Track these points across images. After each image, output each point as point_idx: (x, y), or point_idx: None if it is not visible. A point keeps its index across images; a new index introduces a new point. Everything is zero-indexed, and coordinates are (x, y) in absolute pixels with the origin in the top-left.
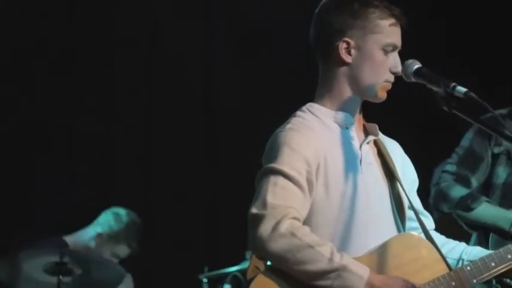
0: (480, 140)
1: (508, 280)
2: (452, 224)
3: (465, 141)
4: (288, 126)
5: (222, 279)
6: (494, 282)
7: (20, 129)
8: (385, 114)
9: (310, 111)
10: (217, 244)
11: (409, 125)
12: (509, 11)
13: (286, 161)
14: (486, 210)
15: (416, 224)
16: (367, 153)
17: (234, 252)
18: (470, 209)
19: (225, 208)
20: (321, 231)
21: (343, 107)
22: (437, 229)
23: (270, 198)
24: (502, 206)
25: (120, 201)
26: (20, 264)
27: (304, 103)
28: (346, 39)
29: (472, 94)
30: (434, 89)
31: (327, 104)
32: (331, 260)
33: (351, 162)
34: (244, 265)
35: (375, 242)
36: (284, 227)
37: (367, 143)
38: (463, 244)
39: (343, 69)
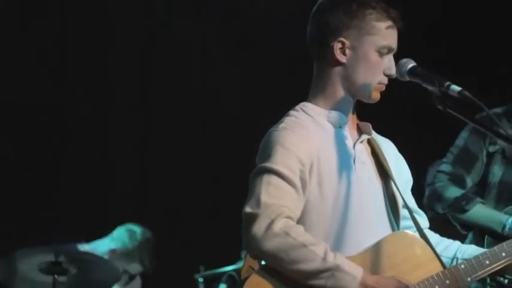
0: (475, 139)
1: (502, 278)
2: (447, 223)
3: (460, 141)
4: (282, 125)
5: (218, 278)
6: (488, 280)
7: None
8: (379, 113)
9: (303, 111)
10: (213, 244)
11: (403, 124)
12: (504, 9)
13: (280, 160)
14: (480, 212)
15: (411, 223)
16: (361, 152)
17: (229, 251)
18: (465, 211)
19: (220, 208)
20: (315, 230)
21: (337, 107)
22: (431, 228)
23: (264, 198)
24: (498, 204)
25: (117, 200)
26: (15, 264)
27: (299, 103)
28: (342, 39)
29: (467, 93)
30: (429, 87)
31: (320, 104)
32: (324, 259)
33: (345, 161)
34: (239, 265)
35: (369, 241)
36: (278, 226)
37: (361, 142)
38: (457, 242)
39: (338, 69)
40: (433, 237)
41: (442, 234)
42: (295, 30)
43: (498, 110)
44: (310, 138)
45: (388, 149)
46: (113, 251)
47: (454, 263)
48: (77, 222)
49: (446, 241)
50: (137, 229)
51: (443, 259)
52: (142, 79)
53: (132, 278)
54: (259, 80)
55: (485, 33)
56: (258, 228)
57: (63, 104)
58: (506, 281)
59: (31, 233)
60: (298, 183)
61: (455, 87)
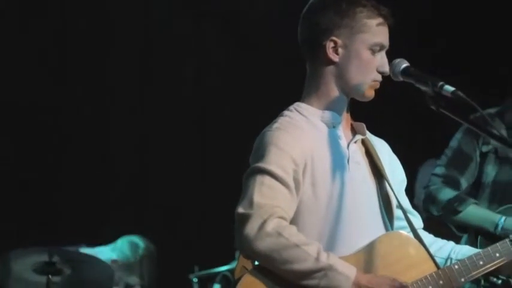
0: (468, 140)
1: (495, 279)
2: (441, 223)
3: (454, 142)
4: (275, 125)
5: (212, 278)
6: (482, 282)
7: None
8: (371, 113)
9: (297, 111)
10: (207, 244)
11: (395, 124)
12: (504, 9)
13: (273, 161)
14: (473, 213)
15: (405, 223)
16: (355, 152)
17: (224, 252)
18: (457, 212)
19: (215, 208)
20: (308, 230)
21: (330, 106)
22: (425, 228)
23: (257, 198)
24: (491, 204)
25: (115, 201)
26: (10, 264)
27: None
28: (334, 38)
29: (460, 93)
30: (422, 88)
31: (314, 104)
32: (317, 259)
33: (339, 162)
34: (234, 265)
35: (362, 241)
36: (270, 226)
37: (355, 142)
38: (451, 243)
39: (331, 69)
40: (427, 237)
41: (436, 235)
42: (295, 30)
43: (491, 110)
44: (304, 138)
45: (382, 149)
46: (114, 261)
47: (448, 263)
48: (77, 223)
49: (440, 241)
50: (141, 243)
51: (437, 259)
52: (142, 79)
53: (130, 286)
54: (259, 80)
55: (485, 33)
56: (251, 228)
57: (63, 104)
58: (500, 281)
59: (30, 234)
60: (291, 183)
61: (449, 88)
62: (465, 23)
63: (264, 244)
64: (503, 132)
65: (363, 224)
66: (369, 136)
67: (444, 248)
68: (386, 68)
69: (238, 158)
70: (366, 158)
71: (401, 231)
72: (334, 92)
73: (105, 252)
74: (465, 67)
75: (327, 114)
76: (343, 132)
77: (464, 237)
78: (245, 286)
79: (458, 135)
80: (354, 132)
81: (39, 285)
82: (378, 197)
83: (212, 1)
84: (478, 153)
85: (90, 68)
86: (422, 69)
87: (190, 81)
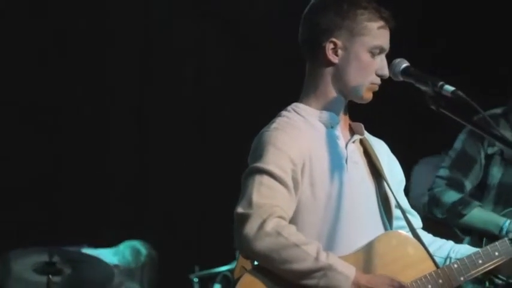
0: (472, 142)
1: (497, 280)
2: (439, 223)
3: (458, 143)
4: (273, 125)
5: (213, 278)
6: (487, 284)
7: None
8: (370, 113)
9: (295, 111)
10: (207, 244)
11: (393, 124)
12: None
13: (272, 160)
14: (477, 216)
15: (404, 223)
16: (353, 152)
17: (224, 252)
18: (462, 215)
19: (215, 208)
20: (307, 230)
21: (329, 107)
22: (424, 228)
23: (256, 198)
24: (497, 206)
25: (114, 201)
26: (10, 264)
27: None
28: (334, 39)
29: (460, 93)
30: (422, 88)
31: (312, 104)
32: (317, 259)
33: (337, 162)
34: (234, 265)
35: (361, 241)
36: (270, 226)
37: (353, 142)
38: (450, 242)
39: (330, 70)
40: (426, 237)
41: (435, 235)
42: (295, 30)
43: (497, 110)
44: (302, 138)
45: (381, 149)
46: (115, 266)
47: (447, 262)
48: (77, 223)
49: (440, 241)
50: (143, 249)
51: (437, 259)
52: (142, 79)
53: None
54: (259, 80)
55: (485, 33)
56: (250, 228)
57: (63, 104)
58: (500, 281)
59: (30, 234)
60: (290, 183)
61: (449, 87)
62: (465, 23)
63: (263, 244)
64: (509, 133)
65: (362, 224)
66: (367, 136)
67: (443, 248)
68: (385, 71)
69: (239, 158)
70: (364, 158)
71: (400, 231)
72: (333, 92)
73: (107, 256)
74: (465, 67)
75: (325, 114)
76: (341, 133)
77: (467, 239)
78: (244, 286)
79: (462, 137)
80: (352, 132)
81: (39, 285)
82: (377, 196)
83: (212, 1)
84: (482, 155)
85: (90, 68)
86: (422, 69)
87: (190, 81)
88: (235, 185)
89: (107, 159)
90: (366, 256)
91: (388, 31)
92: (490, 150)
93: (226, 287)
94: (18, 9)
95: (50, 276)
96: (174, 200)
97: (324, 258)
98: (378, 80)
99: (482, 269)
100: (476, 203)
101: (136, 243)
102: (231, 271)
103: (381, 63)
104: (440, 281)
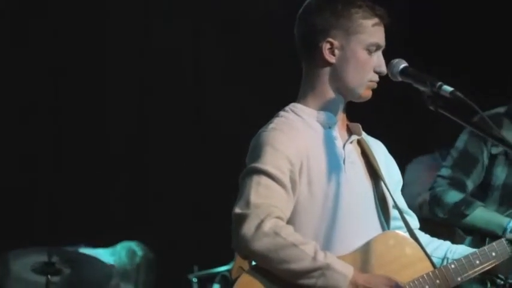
0: (475, 141)
1: (498, 280)
2: (436, 224)
3: (460, 143)
4: (271, 126)
5: (212, 278)
6: (489, 284)
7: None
8: (367, 113)
9: (293, 111)
10: (206, 244)
11: (391, 124)
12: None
13: (269, 161)
14: (480, 216)
15: (401, 223)
16: (351, 153)
17: (223, 252)
18: (465, 215)
19: (214, 208)
20: (305, 230)
21: (326, 107)
22: (421, 228)
23: (254, 198)
24: (500, 206)
25: (113, 200)
26: (9, 264)
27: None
28: (330, 39)
29: (458, 93)
30: (421, 88)
31: (310, 104)
32: (314, 258)
33: (334, 162)
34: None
35: (359, 241)
36: (268, 226)
37: (351, 142)
38: (447, 243)
39: (327, 70)
40: (424, 237)
41: (432, 235)
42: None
43: (501, 109)
44: (300, 138)
45: (378, 149)
46: (111, 266)
47: (445, 263)
48: (76, 223)
49: (437, 241)
50: (139, 251)
51: (434, 259)
52: (141, 79)
53: None
54: (258, 80)
55: (486, 32)
56: (248, 228)
57: (63, 104)
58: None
59: (29, 234)
60: (287, 183)
61: (447, 88)
62: (465, 23)
63: (261, 244)
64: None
65: (359, 224)
66: (365, 137)
67: (440, 248)
68: (383, 68)
69: (238, 159)
70: (361, 159)
71: (398, 231)
72: (330, 92)
73: (104, 256)
74: (465, 67)
75: (323, 115)
76: (338, 133)
77: (468, 239)
78: (242, 286)
79: (464, 137)
80: (350, 132)
81: (38, 285)
82: (374, 197)
83: (212, 1)
84: (485, 154)
85: (90, 68)
86: (421, 69)
87: (190, 81)
88: (234, 185)
89: (106, 159)
90: (364, 256)
91: (383, 28)
92: (494, 151)
93: (225, 287)
94: (18, 9)
95: (49, 276)
96: (173, 200)
97: (322, 258)
98: (376, 77)
99: (479, 270)
100: (479, 203)
101: (133, 244)
102: (230, 271)
103: (378, 60)
104: (438, 281)
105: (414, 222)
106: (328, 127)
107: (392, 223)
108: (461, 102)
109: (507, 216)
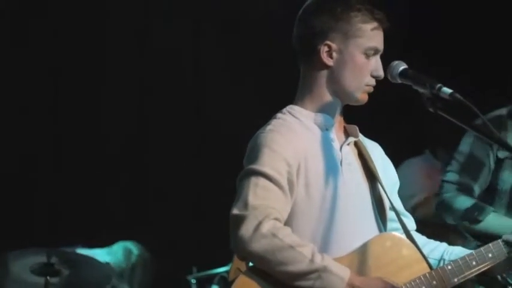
0: (480, 145)
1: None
2: (434, 225)
3: (464, 147)
4: (268, 127)
5: (210, 280)
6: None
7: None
8: (365, 115)
9: (290, 113)
10: (205, 245)
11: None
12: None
13: (267, 162)
14: (494, 221)
15: (398, 225)
16: (348, 155)
17: (222, 253)
18: (478, 221)
19: (213, 209)
20: (302, 232)
21: (324, 109)
22: (418, 230)
23: (251, 199)
24: (510, 211)
25: (112, 201)
26: (8, 265)
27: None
28: (328, 42)
29: (458, 95)
30: (420, 90)
31: (307, 106)
32: (312, 260)
33: (331, 164)
34: None
35: (356, 243)
36: (265, 227)
37: (348, 144)
38: (444, 244)
39: (324, 72)
40: (420, 239)
41: (429, 237)
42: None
43: (503, 111)
44: (297, 140)
45: (375, 151)
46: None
47: (441, 264)
48: (75, 223)
49: (433, 243)
50: (135, 250)
51: (431, 260)
52: (141, 79)
53: None
54: (258, 80)
55: (485, 33)
56: (246, 229)
57: (63, 104)
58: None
59: (28, 235)
60: (285, 185)
61: (447, 90)
62: (465, 23)
63: (258, 245)
64: None
65: (356, 226)
66: (362, 138)
67: (437, 249)
68: (380, 72)
69: (238, 159)
70: (358, 160)
71: (394, 233)
72: (327, 95)
73: (100, 255)
74: (465, 67)
75: (320, 117)
76: (336, 135)
77: (473, 243)
78: (239, 287)
79: (468, 140)
80: (347, 134)
81: (37, 286)
82: (371, 198)
83: (212, 1)
84: (492, 158)
85: (90, 68)
86: (421, 70)
87: (190, 81)
88: (234, 185)
89: (106, 159)
90: (360, 258)
91: (382, 32)
92: (500, 154)
93: None
94: (18, 9)
95: (48, 277)
96: (173, 200)
97: (319, 260)
98: (373, 82)
99: (476, 271)
100: (491, 208)
101: (129, 244)
102: (229, 272)
103: (375, 64)
104: (434, 282)
105: (411, 223)
106: (325, 129)
107: (389, 224)
108: (461, 104)
109: None
